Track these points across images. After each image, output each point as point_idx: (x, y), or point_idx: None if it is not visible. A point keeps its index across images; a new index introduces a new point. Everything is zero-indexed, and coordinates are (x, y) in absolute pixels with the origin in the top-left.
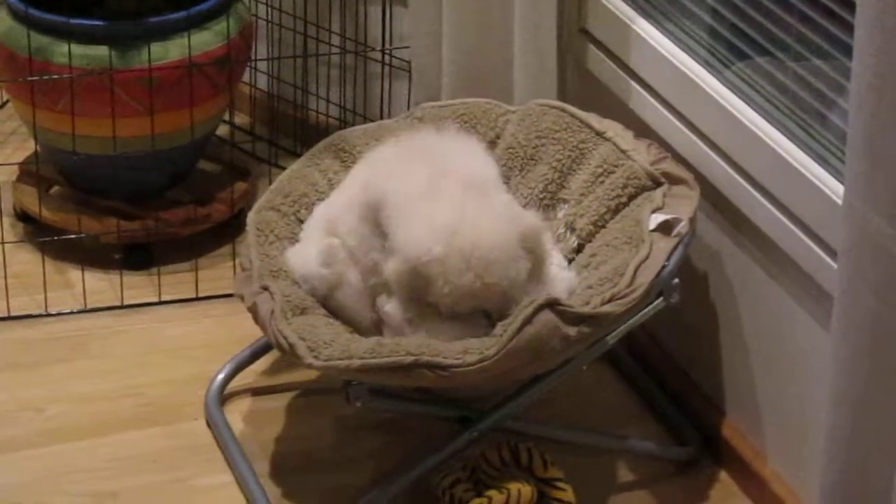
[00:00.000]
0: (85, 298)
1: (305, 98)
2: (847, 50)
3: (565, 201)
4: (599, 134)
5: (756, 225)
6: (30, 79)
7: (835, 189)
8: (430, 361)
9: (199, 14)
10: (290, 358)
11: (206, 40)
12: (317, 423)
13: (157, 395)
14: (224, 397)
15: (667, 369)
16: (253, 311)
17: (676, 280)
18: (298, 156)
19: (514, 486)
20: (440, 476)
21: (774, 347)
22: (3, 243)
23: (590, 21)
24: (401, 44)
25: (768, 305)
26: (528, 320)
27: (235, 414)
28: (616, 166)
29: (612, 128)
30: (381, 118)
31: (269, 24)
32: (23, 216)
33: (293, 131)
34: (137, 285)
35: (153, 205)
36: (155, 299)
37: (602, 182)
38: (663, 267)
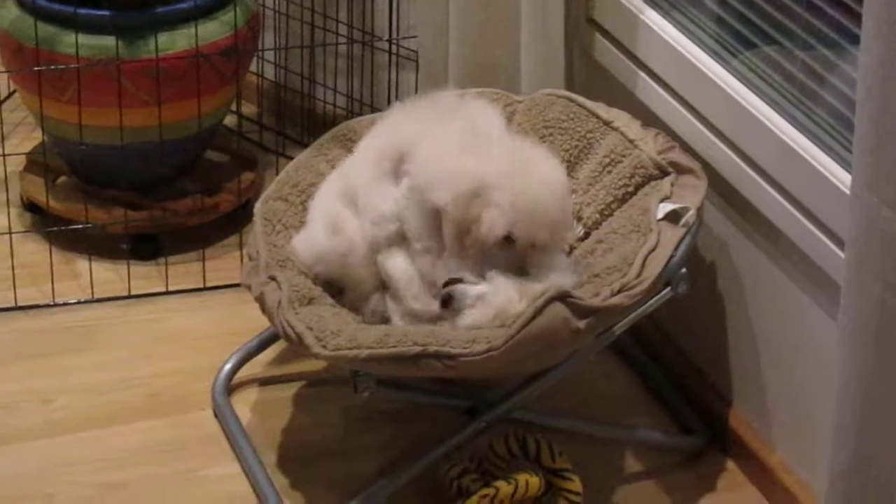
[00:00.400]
0: (92, 289)
1: (313, 88)
2: (854, 39)
3: (573, 191)
4: (607, 123)
5: (763, 214)
6: (37, 69)
7: (842, 178)
8: (437, 351)
9: (206, 4)
10: (297, 348)
11: (213, 30)
12: (324, 413)
13: (164, 385)
14: (231, 387)
15: (674, 359)
16: (260, 300)
17: (684, 270)
18: (306, 146)
19: (521, 477)
20: (448, 466)
21: (781, 336)
22: (10, 233)
23: (597, 10)
24: (408, 34)
25: (775, 294)
26: (538, 311)
27: (243, 404)
28: (623, 156)
29: (620, 117)
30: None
31: (277, 14)
32: (30, 206)
33: (300, 121)
34: (145, 275)
35: (160, 195)
36: (162, 289)
37: (609, 171)
38: (671, 257)
